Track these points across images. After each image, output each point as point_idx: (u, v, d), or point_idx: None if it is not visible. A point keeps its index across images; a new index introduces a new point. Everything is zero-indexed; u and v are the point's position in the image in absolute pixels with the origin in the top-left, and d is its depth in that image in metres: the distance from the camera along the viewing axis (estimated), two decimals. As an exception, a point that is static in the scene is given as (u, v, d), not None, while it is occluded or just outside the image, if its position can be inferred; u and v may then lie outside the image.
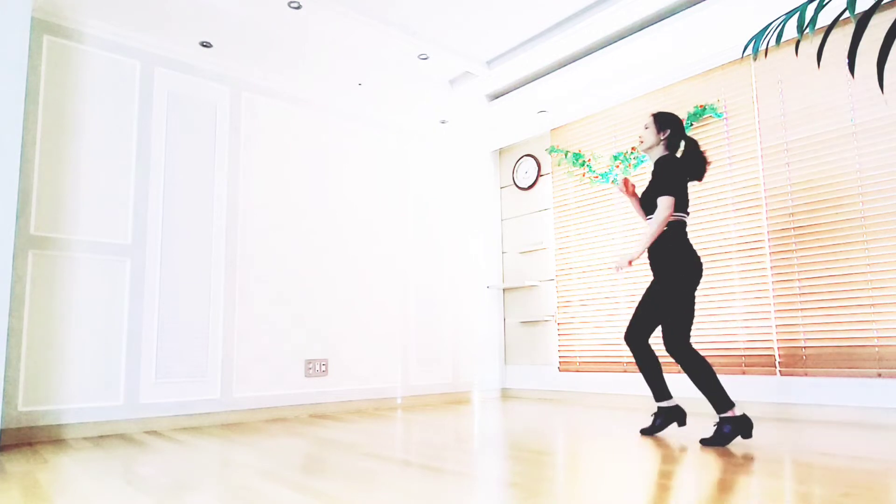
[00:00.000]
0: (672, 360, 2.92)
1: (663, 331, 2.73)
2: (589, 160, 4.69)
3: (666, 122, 2.91)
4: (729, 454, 2.35)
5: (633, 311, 4.30)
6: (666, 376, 4.06)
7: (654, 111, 3.03)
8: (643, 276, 4.28)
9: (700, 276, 2.76)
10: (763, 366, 3.61)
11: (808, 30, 2.65)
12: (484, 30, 3.69)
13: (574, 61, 4.00)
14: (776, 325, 3.57)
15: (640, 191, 4.18)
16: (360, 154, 4.57)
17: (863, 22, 1.60)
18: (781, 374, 3.52)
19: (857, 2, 3.19)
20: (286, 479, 2.00)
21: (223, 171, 3.80)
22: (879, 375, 3.16)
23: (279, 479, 2.00)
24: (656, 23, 3.55)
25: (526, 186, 5.28)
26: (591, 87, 4.33)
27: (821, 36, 3.49)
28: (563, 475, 2.03)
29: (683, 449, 2.50)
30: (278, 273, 3.97)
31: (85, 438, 3.06)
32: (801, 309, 3.47)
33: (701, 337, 3.92)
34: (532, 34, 3.80)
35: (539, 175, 5.17)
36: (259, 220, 3.93)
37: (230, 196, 3.81)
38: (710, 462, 2.20)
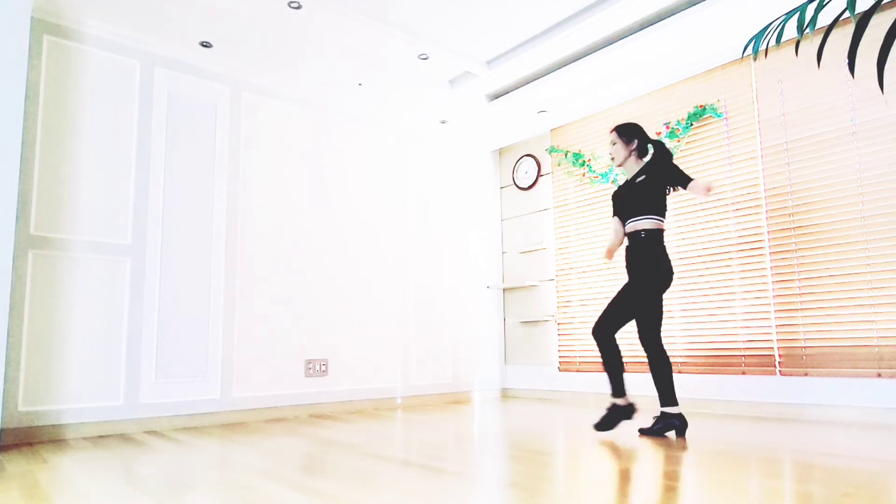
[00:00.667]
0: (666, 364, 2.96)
1: (639, 327, 2.96)
2: (589, 160, 4.69)
3: (631, 133, 3.05)
4: (728, 454, 2.35)
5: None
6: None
7: (614, 126, 3.13)
8: (643, 276, 4.28)
9: (670, 282, 2.94)
10: (763, 366, 3.61)
11: (808, 30, 2.65)
12: (484, 30, 3.69)
13: (574, 61, 4.00)
14: (776, 325, 3.57)
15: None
16: (360, 154, 4.57)
17: (863, 22, 1.60)
18: (781, 374, 3.52)
19: (857, 2, 3.19)
20: (286, 479, 2.00)
21: (223, 171, 3.80)
22: (879, 375, 3.16)
23: (279, 479, 2.00)
24: (656, 23, 3.55)
25: (526, 186, 5.28)
26: (591, 87, 4.33)
27: (821, 36, 3.49)
28: (563, 475, 2.03)
29: (683, 449, 2.50)
30: (278, 273, 3.97)
31: (85, 438, 3.06)
32: (801, 309, 3.47)
33: (701, 337, 3.92)
34: (532, 34, 3.80)
35: (539, 175, 5.17)
36: (259, 220, 3.93)
37: (230, 196, 3.81)
38: (710, 462, 2.20)
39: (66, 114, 3.25)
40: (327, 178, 4.34)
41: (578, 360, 4.68)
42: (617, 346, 2.96)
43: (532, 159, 5.25)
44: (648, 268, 2.90)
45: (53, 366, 3.06)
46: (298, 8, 3.27)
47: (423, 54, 3.85)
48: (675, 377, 4.01)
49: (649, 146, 3.07)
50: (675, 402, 2.85)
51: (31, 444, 2.87)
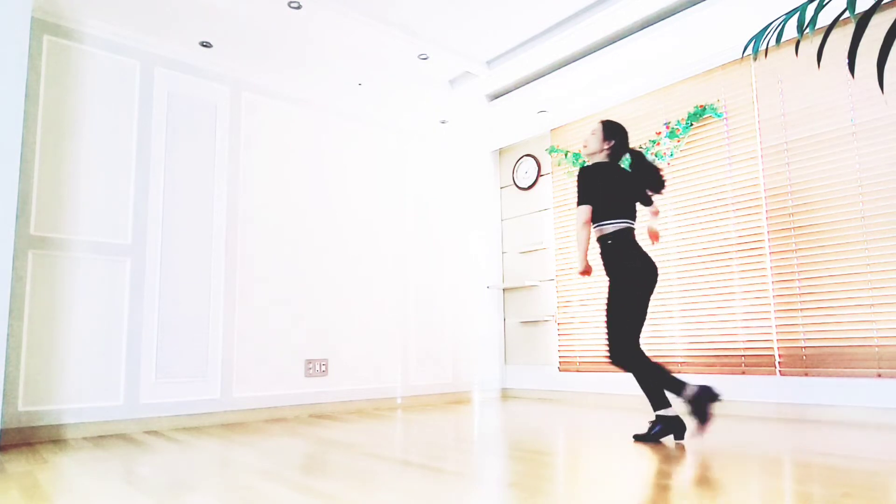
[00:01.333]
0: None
1: (608, 337, 2.78)
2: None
3: (613, 132, 2.94)
4: (727, 454, 2.35)
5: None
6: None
7: (604, 119, 2.98)
8: (643, 276, 4.28)
9: (650, 280, 2.77)
10: (763, 366, 3.61)
11: (808, 30, 2.65)
12: (484, 30, 3.69)
13: (574, 61, 4.00)
14: (776, 325, 3.57)
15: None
16: (360, 154, 4.57)
17: (863, 22, 1.60)
18: (781, 374, 3.52)
19: (857, 2, 3.19)
20: (286, 479, 2.00)
21: (223, 171, 3.80)
22: (879, 375, 3.16)
23: (279, 479, 2.00)
24: (656, 23, 3.55)
25: (526, 186, 5.28)
26: (591, 87, 4.33)
27: (821, 36, 3.49)
28: (563, 475, 2.03)
29: (682, 449, 2.50)
30: (278, 273, 3.97)
31: (85, 438, 3.06)
32: (801, 309, 3.47)
33: (701, 337, 3.92)
34: (532, 34, 3.80)
35: (539, 175, 5.17)
36: (259, 220, 3.93)
37: (230, 196, 3.81)
38: (709, 462, 2.20)
39: (66, 114, 3.25)
40: (327, 178, 4.34)
41: (578, 360, 4.68)
42: (646, 357, 2.72)
43: (532, 159, 5.25)
44: (619, 269, 2.79)
45: (53, 366, 3.06)
46: (298, 8, 3.27)
47: (423, 54, 3.85)
48: (676, 377, 4.01)
49: (627, 155, 2.98)
50: (668, 404, 2.70)
51: (31, 444, 2.87)
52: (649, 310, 4.23)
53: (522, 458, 2.32)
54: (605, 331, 2.81)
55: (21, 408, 2.94)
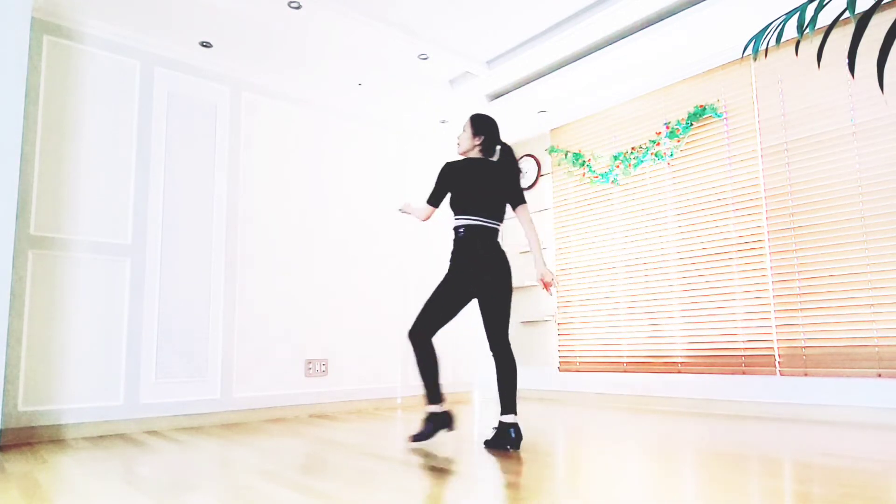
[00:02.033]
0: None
1: (499, 329, 2.67)
2: (589, 160, 4.69)
3: (481, 127, 2.84)
4: (728, 454, 2.35)
5: (631, 311, 4.31)
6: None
7: (474, 114, 2.90)
8: (643, 277, 4.28)
9: (469, 278, 2.66)
10: (763, 366, 3.61)
11: (808, 30, 2.65)
12: (484, 30, 3.69)
13: (574, 61, 4.00)
14: (776, 325, 3.57)
15: None
16: (360, 154, 4.57)
17: (863, 22, 1.60)
18: (781, 374, 3.52)
19: (857, 2, 3.19)
20: (286, 479, 2.00)
21: (223, 171, 3.80)
22: (879, 375, 3.16)
23: (279, 479, 2.00)
24: (656, 23, 3.55)
25: (526, 186, 5.28)
26: (591, 87, 4.33)
27: (821, 36, 3.49)
28: (563, 475, 2.03)
29: (681, 449, 2.50)
30: (278, 273, 3.97)
31: (85, 438, 3.06)
32: (801, 309, 3.47)
33: (701, 337, 3.92)
34: (532, 34, 3.80)
35: (539, 175, 5.17)
36: (259, 219, 3.93)
37: (230, 196, 3.81)
38: (710, 462, 2.20)
39: (66, 114, 3.25)
40: (327, 178, 4.34)
41: (578, 360, 4.68)
42: (434, 352, 2.69)
43: (532, 159, 5.25)
44: (451, 261, 2.74)
45: (53, 366, 3.05)
46: (298, 8, 3.27)
47: (423, 54, 3.85)
48: (676, 377, 4.02)
49: (497, 148, 2.88)
50: (441, 400, 2.67)
51: (31, 444, 2.87)
52: (649, 310, 4.23)
53: (522, 458, 2.32)
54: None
55: (21, 408, 2.94)
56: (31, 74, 3.14)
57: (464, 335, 5.07)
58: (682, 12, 3.41)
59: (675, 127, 4.13)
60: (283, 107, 4.16)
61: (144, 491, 1.86)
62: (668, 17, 3.49)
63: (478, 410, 4.16)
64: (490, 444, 2.61)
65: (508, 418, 2.57)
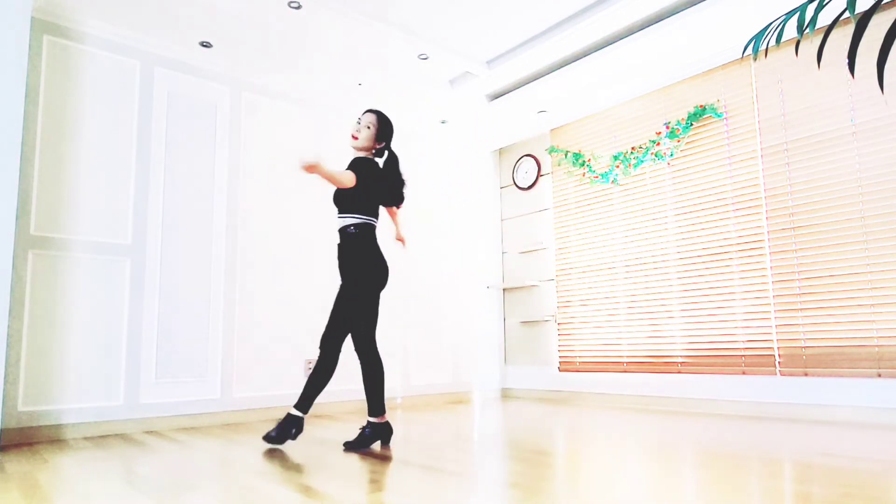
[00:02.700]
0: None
1: (353, 332, 2.71)
2: (589, 160, 4.69)
3: (387, 134, 2.84)
4: (728, 454, 2.35)
5: (631, 311, 4.31)
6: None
7: (381, 113, 2.83)
8: (643, 277, 4.28)
9: (385, 280, 2.78)
10: (763, 366, 3.61)
11: (808, 30, 2.65)
12: (484, 30, 3.69)
13: (574, 61, 4.00)
14: (776, 325, 3.57)
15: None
16: (360, 154, 4.56)
17: (863, 22, 1.60)
18: (781, 374, 3.52)
19: (857, 2, 3.19)
20: (286, 479, 2.00)
21: (223, 171, 3.80)
22: (879, 375, 3.16)
23: (279, 479, 2.00)
24: (656, 23, 3.55)
25: (526, 186, 5.28)
26: (591, 87, 4.33)
27: (821, 36, 3.50)
28: (563, 475, 2.03)
29: (681, 449, 2.50)
30: (278, 273, 3.97)
31: (85, 438, 3.06)
32: (801, 309, 3.47)
33: (701, 337, 3.92)
34: (532, 34, 3.80)
35: (539, 175, 5.17)
36: (259, 219, 3.93)
37: (230, 196, 3.81)
38: (710, 462, 2.20)
39: (66, 114, 3.25)
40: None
41: (578, 360, 4.68)
42: (337, 359, 2.71)
43: (532, 159, 5.25)
44: (363, 266, 2.72)
45: (53, 366, 3.05)
46: (298, 8, 3.27)
47: (423, 54, 3.85)
48: (676, 377, 4.02)
49: (386, 152, 2.91)
50: (383, 412, 2.68)
51: (31, 444, 2.87)
52: (649, 310, 4.23)
53: (522, 458, 2.32)
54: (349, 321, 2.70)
55: (21, 408, 2.94)
56: (31, 74, 3.14)
57: (464, 335, 5.07)
58: (682, 12, 3.41)
59: (675, 127, 4.13)
60: (283, 107, 4.16)
61: (144, 491, 1.86)
62: (668, 17, 3.49)
63: (478, 411, 4.16)
64: (352, 446, 2.62)
65: (378, 420, 2.68)
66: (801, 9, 1.82)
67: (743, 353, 3.71)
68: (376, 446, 2.67)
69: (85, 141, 3.29)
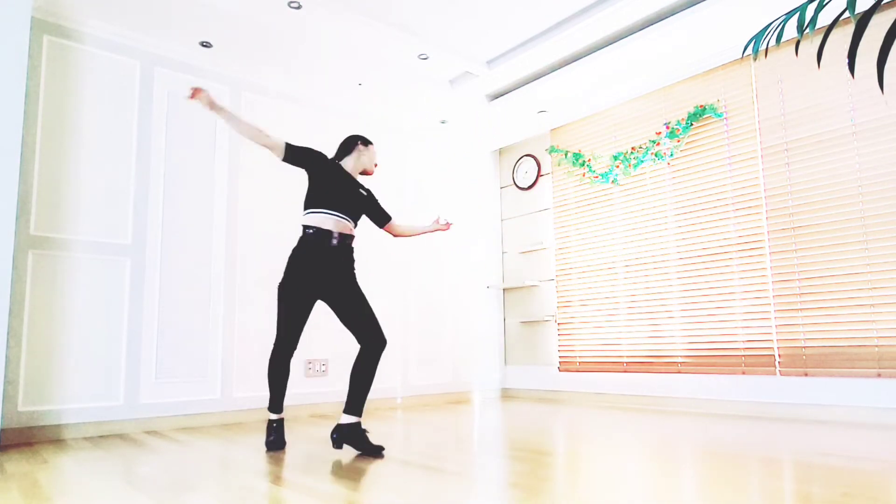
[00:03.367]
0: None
1: (376, 332, 2.58)
2: (589, 160, 4.69)
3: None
4: (728, 454, 2.35)
5: (631, 311, 4.31)
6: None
7: (369, 140, 2.90)
8: (643, 277, 4.28)
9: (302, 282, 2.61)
10: (763, 366, 3.61)
11: (808, 30, 2.65)
12: (484, 30, 3.69)
13: (574, 61, 4.00)
14: (776, 325, 3.57)
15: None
16: (360, 154, 4.56)
17: (863, 22, 1.60)
18: (781, 374, 3.52)
19: (857, 2, 3.19)
20: (286, 479, 2.00)
21: (223, 171, 3.80)
22: (879, 375, 3.16)
23: (279, 479, 2.00)
24: (656, 23, 3.55)
25: (526, 186, 5.28)
26: (590, 88, 4.33)
27: (821, 36, 3.49)
28: (563, 475, 2.03)
29: (681, 449, 2.50)
30: (278, 273, 3.97)
31: (85, 438, 3.06)
32: (801, 309, 3.47)
33: (701, 337, 3.92)
34: (532, 34, 3.80)
35: (539, 175, 5.17)
36: (259, 219, 3.93)
37: (230, 196, 3.81)
38: (710, 462, 2.20)
39: (66, 114, 3.25)
40: (327, 178, 4.33)
41: (578, 360, 4.68)
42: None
43: (532, 159, 5.25)
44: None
45: (53, 366, 3.05)
46: (298, 8, 3.27)
47: (423, 54, 3.85)
48: (676, 377, 4.02)
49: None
50: (280, 410, 2.63)
51: (31, 444, 2.87)
52: (649, 310, 4.23)
53: (522, 458, 2.32)
54: (373, 319, 2.59)
55: (21, 408, 2.94)
56: (31, 74, 3.14)
57: (464, 335, 5.07)
58: (682, 12, 3.41)
59: (675, 127, 4.13)
60: (283, 106, 4.16)
61: (144, 491, 1.86)
62: (668, 17, 3.49)
63: (478, 411, 4.16)
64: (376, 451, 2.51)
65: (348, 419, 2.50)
66: (801, 9, 1.82)
67: (743, 353, 3.71)
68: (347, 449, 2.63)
69: (85, 141, 3.29)
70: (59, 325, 3.09)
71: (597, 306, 4.58)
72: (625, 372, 4.34)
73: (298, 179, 4.17)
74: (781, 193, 3.61)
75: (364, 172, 2.88)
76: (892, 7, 3.23)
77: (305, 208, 2.66)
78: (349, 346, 4.28)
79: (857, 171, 3.32)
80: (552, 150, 4.97)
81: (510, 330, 5.31)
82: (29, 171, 3.08)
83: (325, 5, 3.27)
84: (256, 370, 3.79)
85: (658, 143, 4.22)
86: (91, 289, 3.21)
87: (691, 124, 4.05)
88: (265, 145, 2.57)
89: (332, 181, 2.68)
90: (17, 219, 3.00)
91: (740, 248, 3.77)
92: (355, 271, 2.76)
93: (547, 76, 4.17)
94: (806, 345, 3.44)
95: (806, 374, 3.42)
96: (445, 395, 4.82)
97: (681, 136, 4.09)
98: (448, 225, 2.88)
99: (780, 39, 1.93)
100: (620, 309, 4.42)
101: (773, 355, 3.57)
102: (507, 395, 5.24)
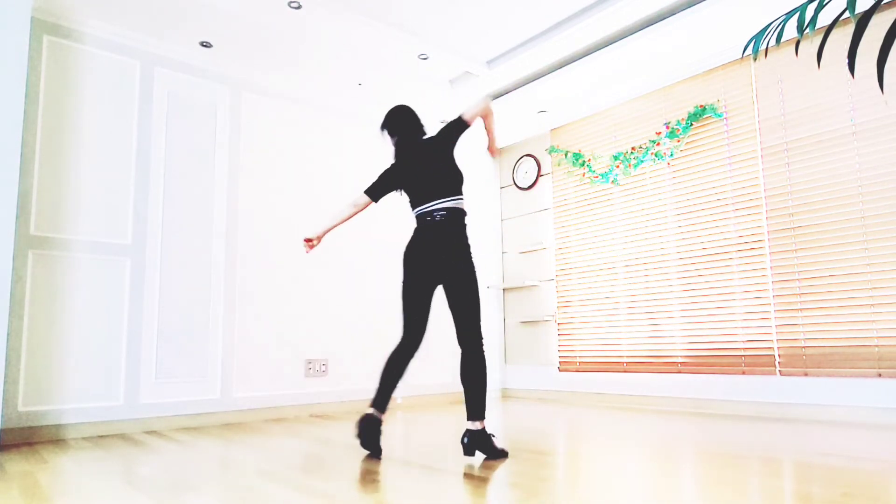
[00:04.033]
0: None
1: (470, 323, 2.44)
2: (589, 160, 4.69)
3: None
4: (728, 454, 2.35)
5: (631, 311, 4.31)
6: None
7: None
8: (643, 277, 4.28)
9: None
10: (763, 366, 3.61)
11: (808, 30, 2.65)
12: (484, 30, 3.69)
13: (574, 61, 4.00)
14: (776, 325, 3.57)
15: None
16: (359, 153, 4.57)
17: (863, 22, 1.60)
18: (781, 374, 3.52)
19: (857, 2, 3.19)
20: (286, 479, 2.00)
21: (223, 171, 3.80)
22: (879, 375, 3.16)
23: (279, 479, 2.00)
24: (656, 23, 3.55)
25: (526, 186, 5.28)
26: (591, 87, 4.33)
27: (821, 36, 3.49)
28: (563, 475, 2.03)
29: (681, 449, 2.50)
30: (278, 273, 3.97)
31: (85, 438, 3.06)
32: (801, 309, 3.47)
33: (701, 337, 3.92)
34: (532, 34, 3.80)
35: (539, 175, 5.17)
36: (259, 219, 3.93)
37: (230, 196, 3.81)
38: (710, 462, 2.20)
39: (66, 114, 3.25)
40: (327, 177, 4.33)
41: (578, 360, 4.68)
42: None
43: (532, 159, 5.25)
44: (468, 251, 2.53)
45: (53, 366, 3.05)
46: (298, 8, 3.27)
47: (422, 54, 3.85)
48: (676, 377, 4.01)
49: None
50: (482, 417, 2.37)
51: (31, 444, 2.87)
52: (649, 310, 4.23)
53: (522, 458, 2.32)
54: (473, 319, 2.44)
55: (21, 408, 2.94)
56: (31, 74, 3.14)
57: (464, 335, 5.07)
58: (682, 12, 3.41)
59: (675, 127, 4.13)
60: (283, 106, 4.16)
61: (144, 491, 1.86)
62: (668, 17, 3.49)
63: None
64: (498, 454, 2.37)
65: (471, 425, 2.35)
66: (801, 9, 1.82)
67: (743, 353, 3.70)
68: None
69: (85, 141, 3.29)
70: (59, 325, 3.09)
71: (597, 306, 4.58)
72: (625, 372, 4.34)
73: (298, 179, 4.17)
74: (781, 193, 3.61)
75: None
76: (892, 7, 3.23)
77: None
78: (349, 346, 4.28)
79: (857, 171, 3.32)
80: (552, 150, 4.97)
81: (510, 330, 5.31)
82: (29, 171, 3.08)
83: (325, 5, 3.27)
84: (256, 370, 3.79)
85: (658, 143, 4.22)
86: (91, 289, 3.21)
87: (691, 124, 4.05)
88: (361, 210, 2.68)
89: (402, 178, 2.64)
90: (17, 219, 3.00)
91: (740, 248, 3.77)
92: (465, 252, 2.49)
93: (547, 76, 4.17)
94: (806, 345, 3.44)
95: (806, 374, 3.42)
96: (445, 395, 4.82)
97: (681, 136, 4.09)
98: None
99: (780, 39, 1.93)
100: (620, 309, 4.42)
101: (773, 355, 3.57)
102: (506, 394, 5.24)
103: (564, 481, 1.93)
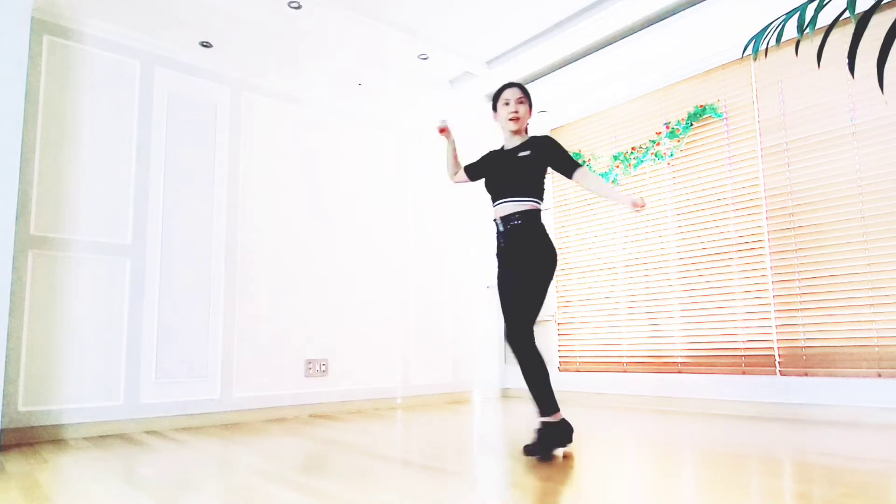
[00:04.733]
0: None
1: (521, 320, 2.43)
2: (589, 160, 4.69)
3: (531, 101, 2.86)
4: (728, 454, 2.35)
5: (631, 311, 4.31)
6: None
7: (518, 84, 2.83)
8: (643, 277, 4.28)
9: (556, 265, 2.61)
10: (763, 366, 3.61)
11: (808, 30, 2.65)
12: (484, 30, 3.69)
13: (574, 61, 4.00)
14: (776, 325, 3.57)
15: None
16: (359, 154, 4.57)
17: (863, 22, 1.60)
18: (781, 374, 3.52)
19: (857, 2, 3.19)
20: (286, 479, 2.00)
21: (223, 171, 3.80)
22: (879, 375, 3.16)
23: (279, 479, 2.00)
24: (656, 23, 3.55)
25: (526, 186, 5.27)
26: (591, 87, 4.33)
27: (821, 36, 3.49)
28: (563, 475, 2.03)
29: (682, 449, 2.50)
30: (278, 273, 3.97)
31: (85, 438, 3.06)
32: (801, 309, 3.47)
33: (701, 337, 3.92)
34: (532, 34, 3.80)
35: (539, 175, 5.16)
36: (259, 219, 3.93)
37: (230, 196, 3.81)
38: (710, 462, 2.20)
39: (66, 114, 3.25)
40: (327, 178, 4.33)
41: (578, 360, 4.68)
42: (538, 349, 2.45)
43: (532, 159, 5.24)
44: (544, 249, 2.50)
45: (53, 366, 3.05)
46: (298, 8, 3.27)
47: (422, 54, 3.85)
48: (676, 377, 4.01)
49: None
50: (556, 409, 2.40)
51: (31, 444, 2.87)
52: (649, 310, 4.23)
53: (522, 458, 2.32)
54: (516, 309, 2.43)
55: (21, 408, 2.94)
56: (31, 74, 3.14)
57: (464, 335, 5.07)
58: (682, 12, 3.41)
59: (675, 127, 4.13)
60: (283, 106, 4.16)
61: (145, 491, 1.86)
62: (668, 17, 3.49)
63: (478, 411, 4.16)
64: (527, 450, 2.36)
65: (554, 417, 2.37)
66: (801, 9, 1.82)
67: (743, 353, 3.70)
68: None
69: (85, 141, 3.29)
70: (59, 325, 3.09)
71: (597, 306, 4.58)
72: (625, 372, 4.34)
73: (298, 179, 4.17)
74: (781, 193, 3.61)
75: (516, 132, 2.83)
76: (892, 7, 3.23)
77: None
78: (349, 346, 4.28)
79: (857, 171, 3.32)
80: (552, 150, 4.96)
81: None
82: (29, 171, 3.08)
83: (324, 5, 3.27)
84: (256, 370, 3.79)
85: (658, 143, 4.22)
86: (91, 289, 3.21)
87: (691, 124, 4.05)
88: (461, 179, 3.07)
89: (489, 172, 2.91)
90: (17, 219, 3.00)
91: (740, 248, 3.77)
92: (538, 250, 2.48)
93: (547, 76, 4.17)
94: (806, 345, 3.44)
95: (806, 374, 3.42)
96: (445, 395, 4.82)
97: (681, 136, 4.09)
98: (644, 205, 2.36)
99: (779, 39, 1.93)
100: (620, 309, 4.42)
101: (773, 355, 3.57)
102: (507, 394, 5.24)
103: (564, 481, 1.93)
